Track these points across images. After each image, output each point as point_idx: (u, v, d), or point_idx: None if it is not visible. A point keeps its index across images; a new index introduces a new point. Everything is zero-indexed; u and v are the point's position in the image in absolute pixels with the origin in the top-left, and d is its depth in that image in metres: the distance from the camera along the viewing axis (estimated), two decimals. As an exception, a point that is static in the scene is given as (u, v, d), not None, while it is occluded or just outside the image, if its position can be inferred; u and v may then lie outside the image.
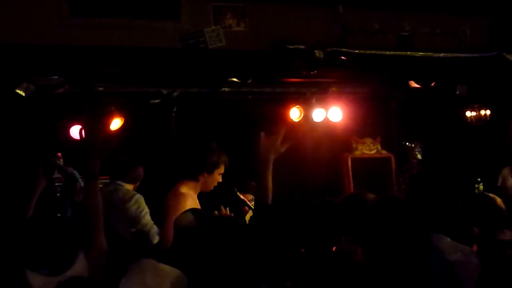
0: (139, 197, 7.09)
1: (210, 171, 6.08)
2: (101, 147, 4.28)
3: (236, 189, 7.09)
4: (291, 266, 3.65)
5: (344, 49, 6.36)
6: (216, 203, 6.27)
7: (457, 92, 9.89)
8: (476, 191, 10.41)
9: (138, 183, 7.41)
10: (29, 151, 8.75)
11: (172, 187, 6.20)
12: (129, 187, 7.26)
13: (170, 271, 3.91)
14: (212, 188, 6.18)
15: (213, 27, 6.01)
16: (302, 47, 6.28)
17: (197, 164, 6.09)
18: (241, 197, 6.58)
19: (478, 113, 10.81)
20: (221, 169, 6.16)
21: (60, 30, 5.70)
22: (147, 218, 6.93)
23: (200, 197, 6.22)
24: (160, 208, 6.24)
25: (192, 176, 6.09)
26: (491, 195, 5.57)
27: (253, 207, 6.36)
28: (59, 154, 8.70)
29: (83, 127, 4.32)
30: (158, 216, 6.47)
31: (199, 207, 6.06)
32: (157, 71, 6.62)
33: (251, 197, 6.90)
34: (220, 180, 6.21)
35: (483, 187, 10.46)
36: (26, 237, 4.02)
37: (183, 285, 3.86)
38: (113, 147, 4.76)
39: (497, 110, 10.72)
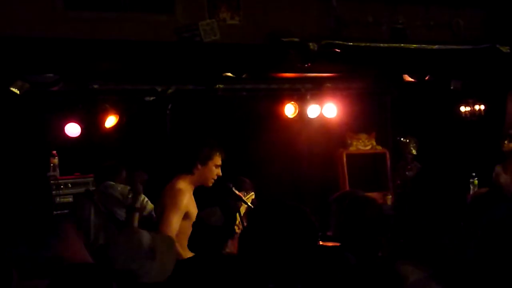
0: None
1: (204, 162, 6.05)
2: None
3: (231, 185, 7.09)
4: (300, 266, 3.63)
5: (338, 42, 6.35)
6: (211, 198, 6.29)
7: (452, 87, 9.90)
8: (471, 186, 10.43)
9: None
10: (24, 149, 8.77)
11: (168, 183, 6.20)
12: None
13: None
14: (211, 180, 6.13)
15: (208, 20, 6.00)
16: (296, 39, 6.28)
17: (190, 156, 6.07)
18: (237, 192, 6.57)
19: (472, 108, 10.83)
20: (216, 161, 6.12)
21: (54, 24, 5.69)
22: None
23: (196, 193, 6.20)
24: (157, 203, 6.24)
25: (186, 169, 6.07)
26: None
27: (249, 203, 6.38)
28: (54, 152, 8.79)
29: None
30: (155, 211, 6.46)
31: (194, 203, 6.06)
32: (152, 65, 6.62)
33: (251, 193, 6.90)
34: (220, 173, 6.17)
35: (478, 182, 10.49)
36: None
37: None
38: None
39: (492, 105, 10.74)
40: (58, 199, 8.70)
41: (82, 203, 7.05)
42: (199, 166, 6.04)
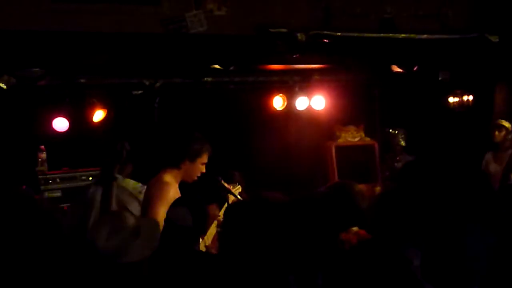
0: None
1: (192, 159, 6.00)
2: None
3: (220, 178, 7.07)
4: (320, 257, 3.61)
5: (326, 32, 6.32)
6: (200, 191, 6.26)
7: (440, 78, 9.90)
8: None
9: None
10: (12, 143, 8.72)
11: (154, 176, 6.17)
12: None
13: None
14: (195, 178, 6.09)
15: (195, 11, 5.95)
16: (285, 30, 6.24)
17: (179, 151, 6.03)
18: (226, 185, 6.55)
19: (460, 99, 10.83)
20: (204, 159, 6.08)
21: (40, 16, 5.63)
22: None
23: (185, 186, 6.16)
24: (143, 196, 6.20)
25: (174, 164, 6.02)
26: None
27: (238, 196, 6.37)
28: (42, 146, 8.74)
29: None
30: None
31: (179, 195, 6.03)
32: (139, 57, 6.58)
33: (238, 186, 6.89)
34: (204, 170, 6.12)
35: (467, 173, 10.48)
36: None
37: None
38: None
39: (480, 95, 10.75)
40: (46, 194, 8.65)
41: (95, 191, 7.00)
42: (187, 162, 6.00)
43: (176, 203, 4.77)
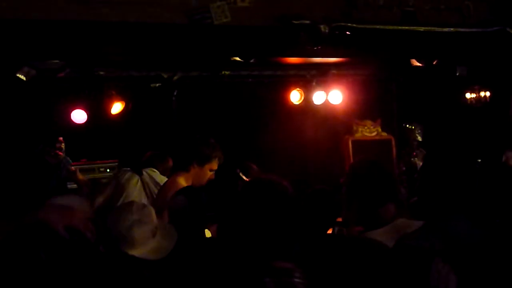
0: None
1: (201, 163, 5.95)
2: None
3: (239, 170, 7.08)
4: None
5: (349, 24, 6.31)
6: (220, 183, 6.27)
7: (457, 74, 9.88)
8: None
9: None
10: (31, 135, 8.76)
11: (169, 178, 6.20)
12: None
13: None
14: (203, 183, 6.03)
15: (218, 2, 5.95)
16: (307, 22, 6.23)
17: (188, 154, 6.00)
18: (244, 177, 6.56)
19: (478, 95, 10.84)
20: (213, 165, 6.03)
21: (60, 5, 5.63)
22: None
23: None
24: (157, 198, 6.19)
25: (183, 166, 5.99)
26: None
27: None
28: (61, 138, 8.79)
29: None
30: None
31: None
32: (162, 48, 6.58)
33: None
34: (213, 177, 6.10)
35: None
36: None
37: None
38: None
39: (497, 91, 10.74)
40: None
41: (130, 177, 7.05)
42: (196, 165, 5.96)
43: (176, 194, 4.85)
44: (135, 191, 6.92)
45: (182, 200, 4.66)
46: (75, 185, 8.55)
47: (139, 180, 7.01)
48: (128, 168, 7.20)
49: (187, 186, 5.51)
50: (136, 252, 3.76)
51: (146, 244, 3.80)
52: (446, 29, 6.99)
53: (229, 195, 6.65)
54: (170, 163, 7.45)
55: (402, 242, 3.48)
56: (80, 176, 8.25)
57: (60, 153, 8.24)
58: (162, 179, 6.93)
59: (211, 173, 6.06)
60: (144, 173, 7.07)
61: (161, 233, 3.92)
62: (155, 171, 7.18)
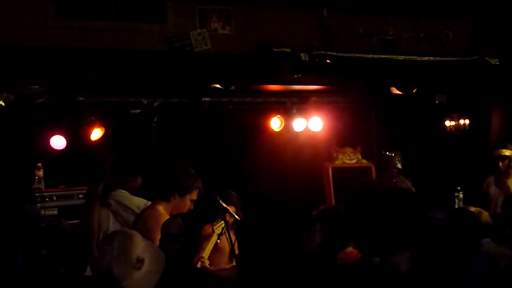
0: None
1: (182, 194, 5.94)
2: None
3: (218, 197, 7.03)
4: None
5: (329, 52, 6.34)
6: (199, 211, 6.23)
7: (437, 101, 9.94)
8: (456, 199, 10.47)
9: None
10: (9, 161, 8.68)
11: (148, 207, 6.16)
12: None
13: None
14: (182, 211, 6.02)
15: (199, 30, 5.97)
16: (288, 50, 6.26)
17: (170, 184, 5.98)
18: (224, 205, 6.53)
19: (457, 122, 10.90)
20: (193, 195, 6.02)
21: (45, 31, 5.63)
22: None
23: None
24: (137, 227, 6.14)
25: (164, 196, 5.97)
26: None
27: (235, 216, 6.36)
28: (39, 164, 8.71)
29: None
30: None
31: None
32: (142, 74, 6.57)
33: (233, 208, 6.88)
34: (192, 207, 6.09)
35: (463, 196, 10.53)
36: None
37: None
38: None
39: (477, 119, 10.80)
40: (43, 212, 8.60)
41: (100, 211, 6.98)
42: (177, 196, 5.95)
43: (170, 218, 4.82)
44: (111, 226, 6.89)
45: (180, 225, 4.62)
46: (55, 211, 8.50)
47: (109, 213, 6.97)
48: (96, 201, 7.14)
49: (183, 213, 5.46)
50: (121, 285, 3.71)
51: (129, 278, 3.75)
52: (425, 58, 7.06)
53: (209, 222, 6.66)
54: (140, 181, 7.39)
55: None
56: None
57: None
58: (132, 201, 6.90)
59: (191, 203, 6.04)
60: (111, 202, 7.02)
61: (149, 262, 3.85)
62: (122, 193, 7.12)
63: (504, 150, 9.08)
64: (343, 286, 4.14)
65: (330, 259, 4.80)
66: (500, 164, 9.04)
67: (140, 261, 3.76)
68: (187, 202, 5.99)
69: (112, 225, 6.93)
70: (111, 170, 6.60)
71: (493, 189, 9.01)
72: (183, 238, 4.55)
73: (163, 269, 3.88)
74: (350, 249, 4.92)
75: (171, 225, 4.66)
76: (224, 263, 6.77)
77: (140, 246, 3.83)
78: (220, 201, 6.55)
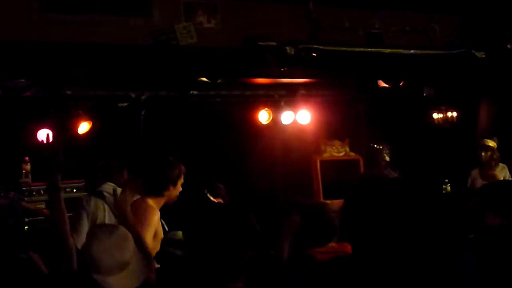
0: None
1: (175, 184, 5.98)
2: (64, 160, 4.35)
3: (206, 191, 7.03)
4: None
5: (315, 46, 6.34)
6: (186, 205, 6.23)
7: (424, 94, 9.96)
8: (443, 192, 10.51)
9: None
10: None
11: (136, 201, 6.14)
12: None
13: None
14: (175, 199, 6.04)
15: (184, 23, 5.96)
16: (273, 43, 6.26)
17: (163, 182, 5.98)
18: (212, 198, 6.53)
19: (445, 115, 10.94)
20: (182, 179, 6.05)
21: (29, 26, 5.61)
22: None
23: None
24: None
25: (157, 193, 5.98)
26: None
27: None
28: (27, 158, 8.68)
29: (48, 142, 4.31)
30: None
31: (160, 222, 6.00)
32: (128, 68, 6.56)
33: (221, 201, 6.88)
34: (180, 189, 6.10)
35: (451, 188, 10.58)
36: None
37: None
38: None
39: (464, 112, 10.84)
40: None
41: (96, 204, 6.95)
42: (171, 188, 5.95)
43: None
44: (106, 217, 6.86)
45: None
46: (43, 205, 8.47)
47: (105, 204, 6.95)
48: (92, 194, 7.11)
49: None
50: (98, 278, 3.71)
51: (112, 273, 3.75)
52: (412, 51, 7.06)
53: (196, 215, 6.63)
54: (126, 175, 7.36)
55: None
56: (32, 206, 8.17)
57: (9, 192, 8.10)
58: None
59: (180, 186, 6.06)
60: (105, 194, 7.00)
61: (131, 267, 3.86)
62: (112, 186, 7.11)
63: (488, 140, 9.11)
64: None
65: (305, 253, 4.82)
66: (483, 154, 9.07)
67: (126, 264, 3.78)
68: (179, 187, 6.01)
69: (108, 217, 6.89)
70: (66, 160, 6.49)
71: (479, 183, 9.02)
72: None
73: (143, 280, 3.89)
74: (332, 244, 4.89)
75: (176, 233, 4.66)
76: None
77: (130, 251, 3.85)
78: (208, 195, 6.56)
